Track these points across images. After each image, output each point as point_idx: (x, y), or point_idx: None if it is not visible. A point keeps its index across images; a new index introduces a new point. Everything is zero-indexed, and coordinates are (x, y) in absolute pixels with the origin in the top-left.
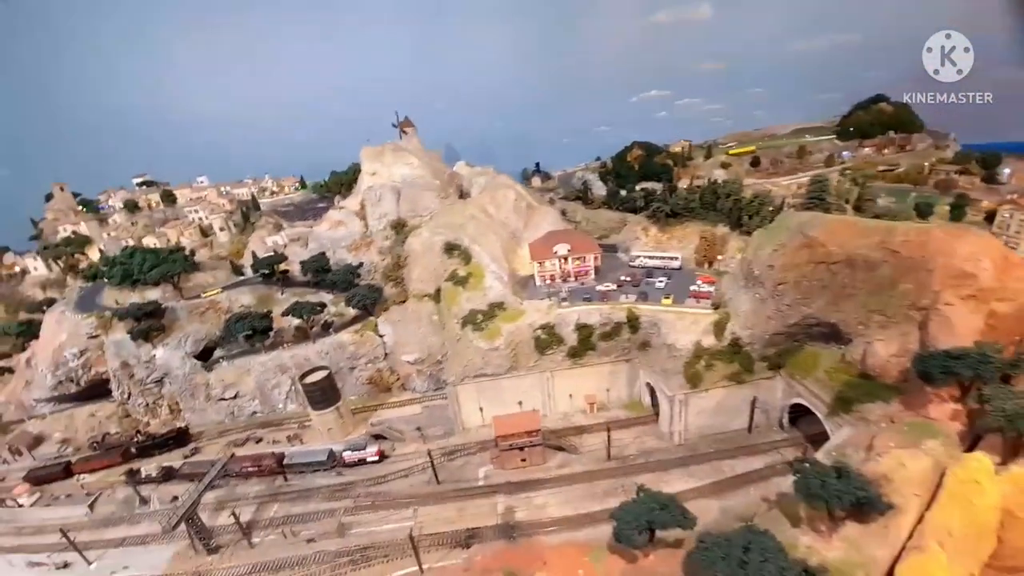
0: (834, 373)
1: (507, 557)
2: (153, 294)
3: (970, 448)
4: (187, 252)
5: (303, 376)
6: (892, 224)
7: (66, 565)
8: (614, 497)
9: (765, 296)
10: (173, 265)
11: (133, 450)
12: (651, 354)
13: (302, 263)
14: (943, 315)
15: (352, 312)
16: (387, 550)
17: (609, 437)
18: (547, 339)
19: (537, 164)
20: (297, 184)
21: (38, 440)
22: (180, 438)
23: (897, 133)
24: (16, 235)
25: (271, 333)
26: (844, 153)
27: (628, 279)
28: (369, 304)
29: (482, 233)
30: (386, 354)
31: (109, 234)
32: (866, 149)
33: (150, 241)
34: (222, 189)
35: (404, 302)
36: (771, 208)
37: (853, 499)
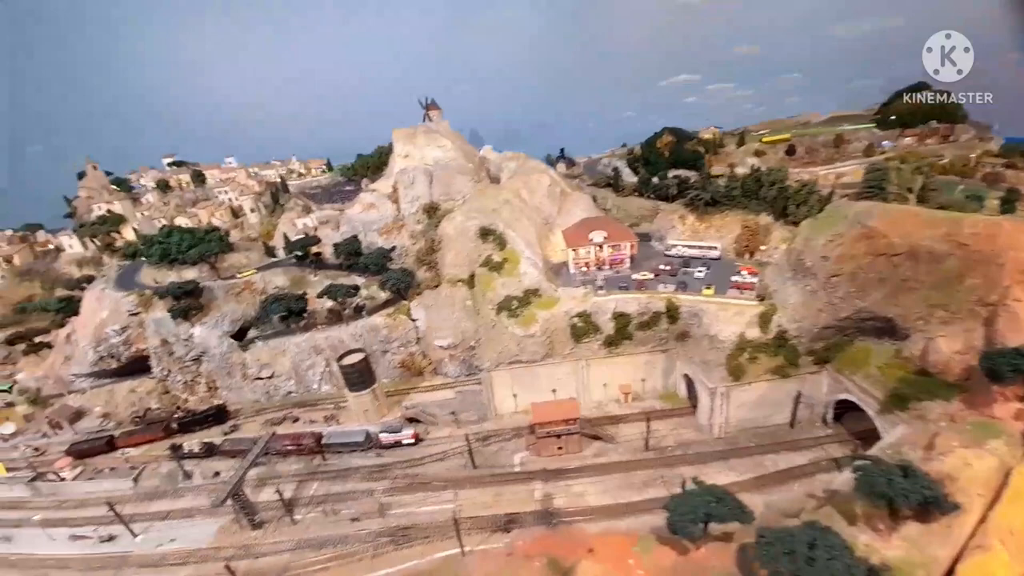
0: (888, 369)
1: (549, 543)
2: (190, 273)
3: None
4: (222, 233)
5: (340, 357)
6: (960, 215)
7: (111, 538)
8: (653, 488)
9: (816, 288)
10: (210, 245)
11: (174, 426)
12: (690, 345)
13: (335, 246)
14: (1012, 311)
15: (384, 296)
16: (427, 531)
17: (648, 427)
18: (583, 327)
19: (562, 150)
20: (324, 167)
21: (78, 414)
22: (219, 415)
23: (940, 123)
24: (49, 212)
25: (305, 315)
26: (884, 143)
27: (667, 268)
28: (403, 288)
29: (516, 218)
30: (418, 338)
31: (142, 213)
32: (907, 139)
33: (182, 221)
34: (250, 171)
35: (437, 287)
36: (819, 197)
37: (920, 498)
